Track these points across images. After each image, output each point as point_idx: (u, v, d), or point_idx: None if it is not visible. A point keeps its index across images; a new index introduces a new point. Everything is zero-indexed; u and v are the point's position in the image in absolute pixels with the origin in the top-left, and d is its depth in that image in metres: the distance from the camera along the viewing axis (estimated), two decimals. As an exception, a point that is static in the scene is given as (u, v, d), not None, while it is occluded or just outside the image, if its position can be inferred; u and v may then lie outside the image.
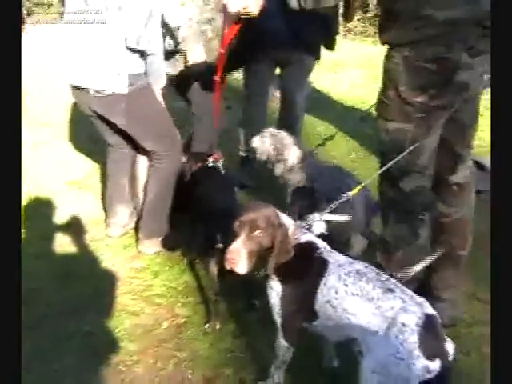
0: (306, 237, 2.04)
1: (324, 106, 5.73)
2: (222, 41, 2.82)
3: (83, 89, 2.86)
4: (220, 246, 2.38)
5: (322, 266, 1.90)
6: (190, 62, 3.31)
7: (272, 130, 3.33)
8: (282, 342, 2.03)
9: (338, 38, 3.76)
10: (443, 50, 2.00)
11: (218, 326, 2.60)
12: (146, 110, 2.96)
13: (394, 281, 1.80)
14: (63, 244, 3.25)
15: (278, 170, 3.22)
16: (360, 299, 1.76)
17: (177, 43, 3.21)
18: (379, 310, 1.71)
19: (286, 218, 2.03)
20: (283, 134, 3.28)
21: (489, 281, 1.47)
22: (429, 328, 1.64)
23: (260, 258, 1.92)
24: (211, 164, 3.10)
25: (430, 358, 1.60)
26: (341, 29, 8.74)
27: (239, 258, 1.86)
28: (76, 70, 2.86)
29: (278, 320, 2.00)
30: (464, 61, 2.01)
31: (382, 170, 2.23)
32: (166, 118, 3.09)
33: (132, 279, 2.99)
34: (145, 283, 2.96)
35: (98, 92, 2.82)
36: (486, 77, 2.13)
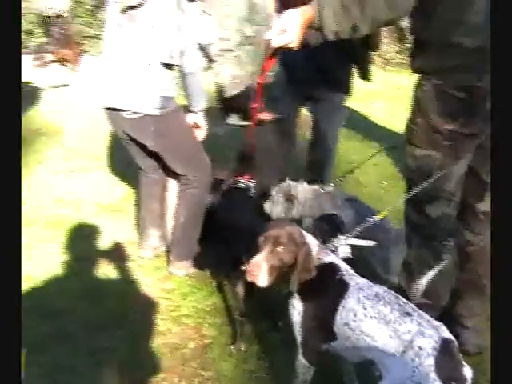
0: (329, 258, 2.08)
1: (358, 135, 5.75)
2: (261, 71, 2.88)
3: (116, 109, 2.91)
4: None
5: (342, 288, 1.93)
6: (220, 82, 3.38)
7: (280, 186, 3.31)
8: (301, 361, 2.05)
9: (375, 70, 3.69)
10: (473, 78, 2.01)
11: (242, 348, 2.63)
12: (176, 133, 3.01)
13: (411, 305, 1.82)
14: (97, 264, 3.34)
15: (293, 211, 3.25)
16: (377, 322, 1.78)
17: (210, 60, 3.18)
18: (396, 333, 1.72)
19: (310, 238, 2.07)
20: (290, 183, 3.27)
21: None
22: (445, 352, 1.65)
23: (282, 274, 1.96)
24: (242, 185, 3.08)
25: (446, 382, 1.60)
26: (379, 60, 8.82)
27: (260, 271, 1.91)
28: (109, 92, 2.92)
29: (299, 338, 2.04)
30: None
31: (408, 195, 2.24)
32: (195, 143, 3.14)
33: (162, 299, 3.05)
34: (174, 304, 3.01)
35: (129, 113, 2.87)
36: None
